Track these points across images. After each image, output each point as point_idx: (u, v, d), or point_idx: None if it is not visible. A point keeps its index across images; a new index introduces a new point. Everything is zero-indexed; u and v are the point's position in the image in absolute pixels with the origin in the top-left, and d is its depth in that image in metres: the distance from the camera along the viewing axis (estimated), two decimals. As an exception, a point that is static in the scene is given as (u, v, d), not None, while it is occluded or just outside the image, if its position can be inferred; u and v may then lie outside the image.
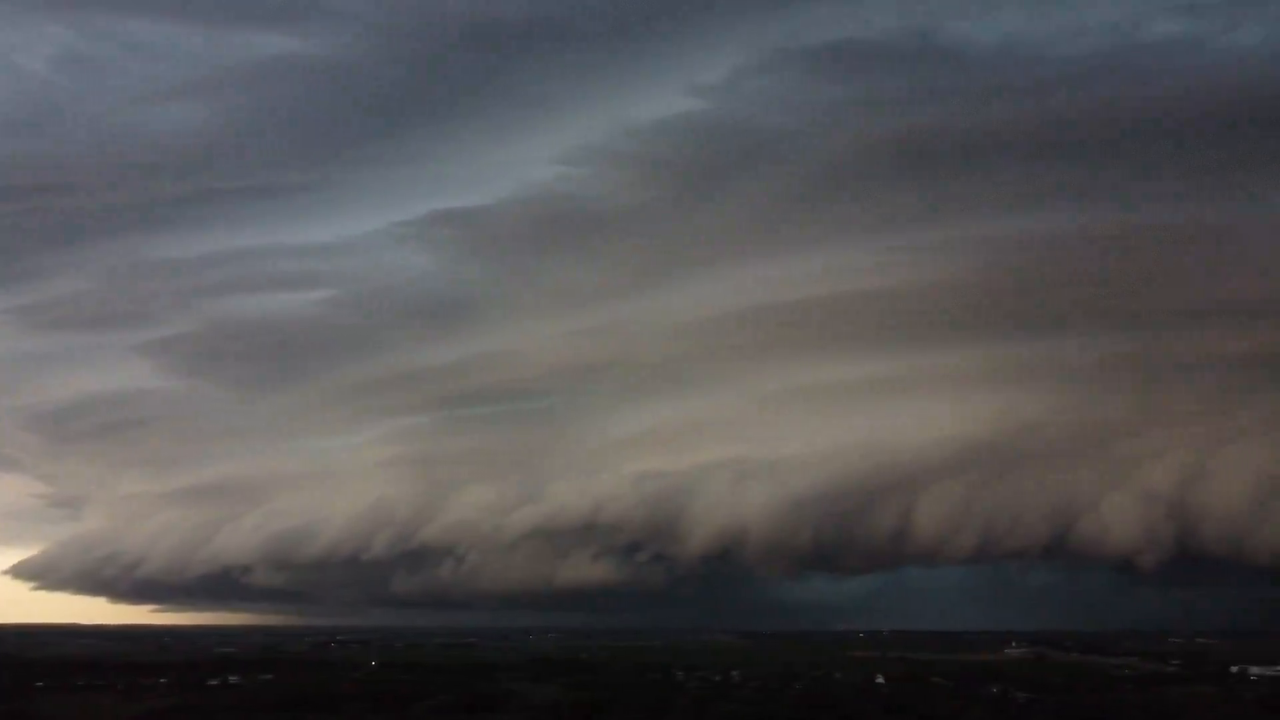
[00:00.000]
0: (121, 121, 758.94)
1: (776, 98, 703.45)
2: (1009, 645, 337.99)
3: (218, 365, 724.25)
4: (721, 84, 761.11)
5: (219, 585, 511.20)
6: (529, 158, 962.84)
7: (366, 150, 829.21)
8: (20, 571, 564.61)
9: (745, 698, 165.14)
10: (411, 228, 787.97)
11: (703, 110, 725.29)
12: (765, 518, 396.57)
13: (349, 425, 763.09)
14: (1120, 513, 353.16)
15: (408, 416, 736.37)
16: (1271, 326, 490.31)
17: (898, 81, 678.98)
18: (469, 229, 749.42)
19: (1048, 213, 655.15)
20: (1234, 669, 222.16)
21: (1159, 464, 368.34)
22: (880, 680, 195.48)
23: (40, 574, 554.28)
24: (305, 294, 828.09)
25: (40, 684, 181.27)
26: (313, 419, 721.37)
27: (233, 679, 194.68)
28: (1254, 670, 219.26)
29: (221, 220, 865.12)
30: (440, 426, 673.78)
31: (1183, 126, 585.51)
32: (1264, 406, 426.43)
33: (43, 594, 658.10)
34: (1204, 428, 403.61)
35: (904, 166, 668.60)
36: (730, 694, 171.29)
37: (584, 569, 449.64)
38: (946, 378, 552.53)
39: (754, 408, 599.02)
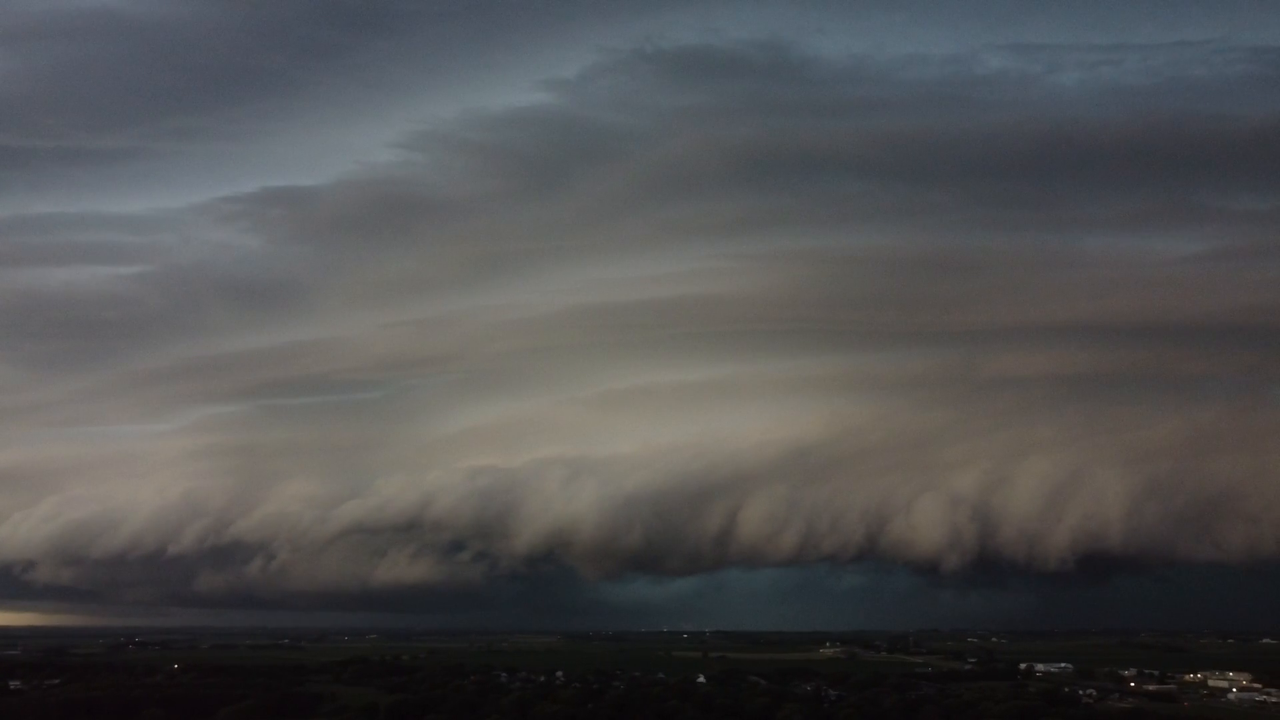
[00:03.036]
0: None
1: (626, 98, 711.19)
2: (823, 645, 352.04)
3: (10, 341, 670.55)
4: (573, 80, 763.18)
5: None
6: (368, 140, 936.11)
7: (193, 119, 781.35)
8: None
9: (568, 698, 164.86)
10: (238, 204, 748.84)
11: (552, 104, 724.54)
12: (596, 516, 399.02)
13: (157, 411, 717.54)
14: (928, 516, 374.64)
15: (224, 404, 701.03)
16: (1072, 348, 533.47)
17: (745, 92, 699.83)
18: (300, 209, 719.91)
19: (877, 230, 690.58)
20: (1022, 666, 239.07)
21: (965, 472, 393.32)
22: (701, 680, 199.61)
23: None
24: (114, 268, 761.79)
25: None
26: (116, 403, 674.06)
27: (14, 684, 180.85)
28: (1040, 667, 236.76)
29: (22, 183, 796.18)
30: (260, 416, 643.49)
31: (1005, 157, 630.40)
32: (1061, 421, 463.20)
33: None
34: (1007, 439, 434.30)
35: (744, 175, 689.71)
36: (553, 694, 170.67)
37: (402, 568, 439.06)
38: (775, 384, 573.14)
39: (589, 407, 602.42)
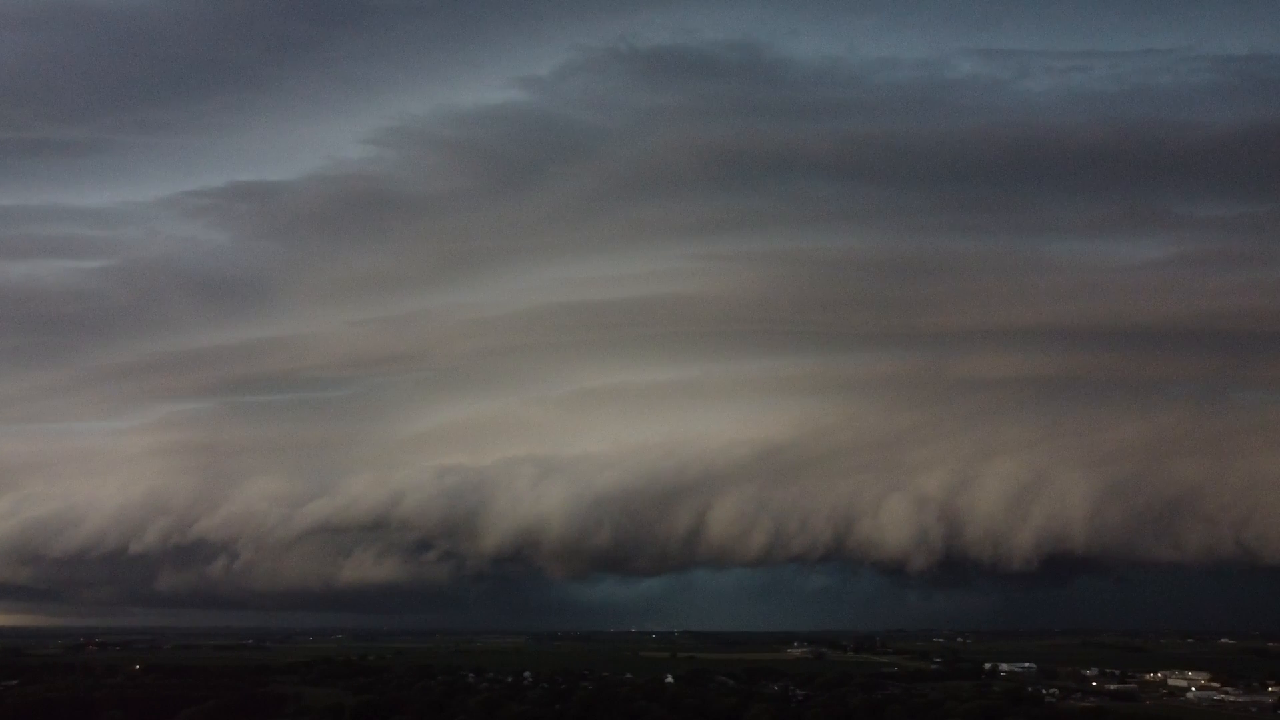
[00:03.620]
0: None
1: (600, 97, 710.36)
2: (791, 645, 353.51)
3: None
4: (547, 78, 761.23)
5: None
6: (339, 135, 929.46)
7: (160, 112, 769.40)
8: None
9: (536, 698, 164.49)
10: (206, 199, 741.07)
11: (525, 102, 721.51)
12: (564, 515, 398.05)
13: (120, 407, 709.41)
14: (896, 517, 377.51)
15: (189, 401, 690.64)
16: (1038, 351, 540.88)
17: (720, 93, 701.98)
18: (269, 205, 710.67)
19: (848, 232, 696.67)
20: (987, 666, 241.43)
21: (932, 473, 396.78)
22: (669, 680, 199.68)
23: None
24: (77, 262, 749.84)
25: None
26: (78, 399, 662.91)
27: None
28: (1004, 667, 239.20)
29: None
30: (225, 413, 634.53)
31: (975, 161, 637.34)
32: (1027, 423, 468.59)
33: None
34: (974, 441, 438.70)
35: (717, 176, 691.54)
36: (521, 695, 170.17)
37: (368, 568, 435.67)
38: (745, 384, 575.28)
39: (559, 406, 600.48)
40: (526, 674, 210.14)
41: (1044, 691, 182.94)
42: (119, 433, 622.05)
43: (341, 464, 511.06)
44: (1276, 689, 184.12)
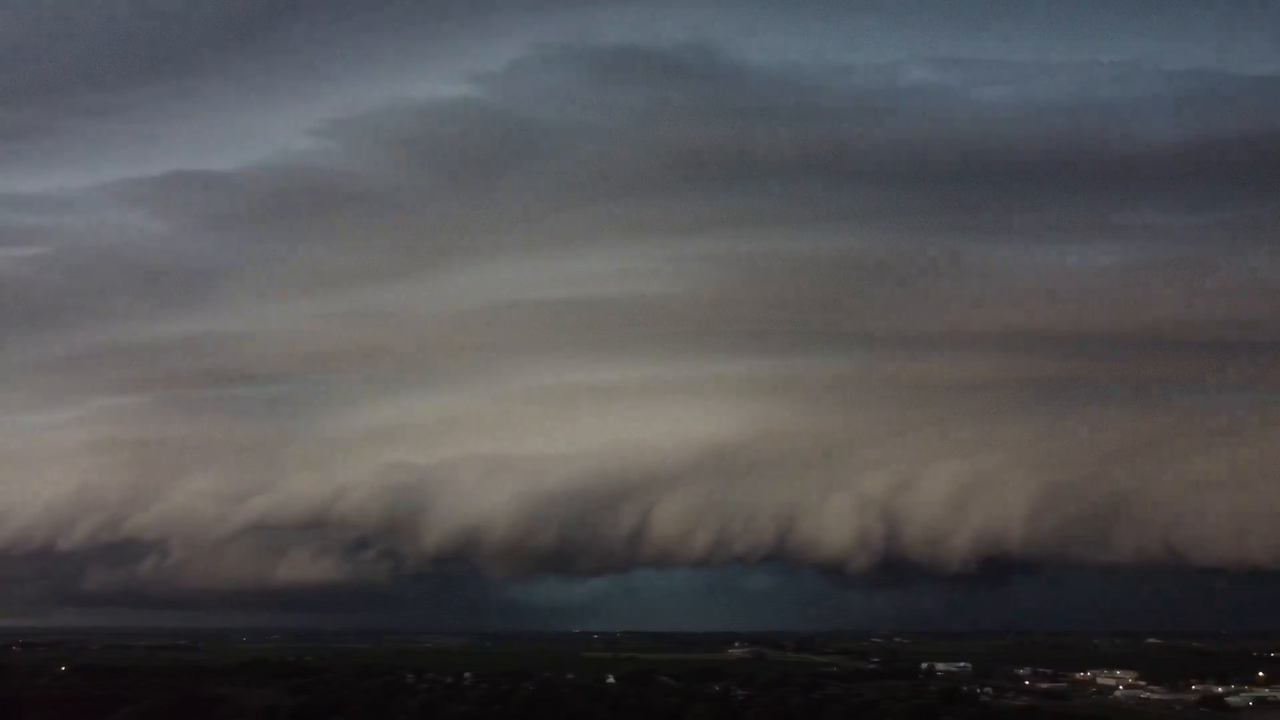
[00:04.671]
0: None
1: (555, 95, 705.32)
2: (732, 645, 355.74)
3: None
4: (502, 74, 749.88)
5: None
6: (287, 125, 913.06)
7: (99, 96, 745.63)
8: None
9: (476, 699, 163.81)
10: (146, 187, 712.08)
11: (479, 98, 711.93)
12: (510, 515, 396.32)
13: (52, 401, 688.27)
14: (838, 519, 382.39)
15: (125, 395, 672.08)
16: (986, 356, 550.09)
17: (677, 93, 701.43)
18: (212, 195, 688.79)
19: (802, 234, 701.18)
20: (924, 665, 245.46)
21: (876, 475, 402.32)
22: (611, 680, 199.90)
23: None
24: (9, 250, 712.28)
25: None
26: (7, 392, 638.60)
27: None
28: (940, 666, 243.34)
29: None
30: (163, 408, 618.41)
31: (928, 167, 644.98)
32: (971, 426, 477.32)
33: None
34: (919, 443, 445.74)
35: (672, 177, 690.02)
36: (461, 696, 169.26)
37: (305, 567, 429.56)
38: (698, 385, 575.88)
39: (507, 404, 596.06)
40: (467, 674, 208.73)
41: (979, 691, 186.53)
42: (50, 427, 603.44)
43: (282, 461, 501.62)
44: (1199, 687, 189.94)
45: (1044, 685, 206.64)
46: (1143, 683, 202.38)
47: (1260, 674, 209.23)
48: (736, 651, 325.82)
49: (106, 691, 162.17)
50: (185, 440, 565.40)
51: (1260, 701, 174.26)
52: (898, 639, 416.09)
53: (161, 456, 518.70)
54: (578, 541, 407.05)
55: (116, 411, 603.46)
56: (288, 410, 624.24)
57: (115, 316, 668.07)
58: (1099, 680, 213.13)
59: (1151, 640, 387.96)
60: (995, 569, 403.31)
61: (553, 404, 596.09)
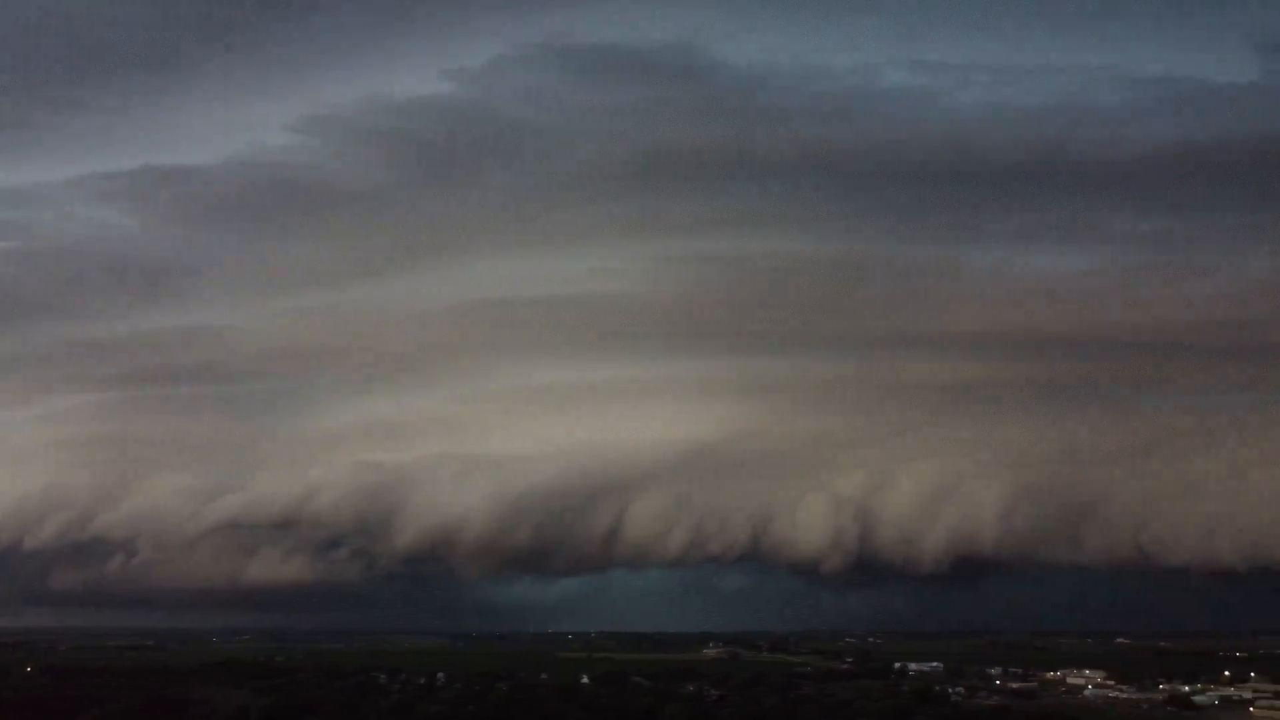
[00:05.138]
0: None
1: (533, 92, 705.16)
2: (707, 646, 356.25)
3: None
4: (480, 71, 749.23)
5: None
6: (263, 120, 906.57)
7: (73, 90, 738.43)
8: None
9: (449, 699, 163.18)
10: (119, 181, 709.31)
11: (457, 95, 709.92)
12: (484, 514, 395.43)
13: (21, 397, 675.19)
14: (812, 519, 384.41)
15: (95, 392, 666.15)
16: (964, 358, 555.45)
17: (655, 94, 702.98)
18: (186, 190, 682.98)
19: (780, 236, 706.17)
20: (897, 665, 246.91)
21: (850, 476, 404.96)
22: (585, 680, 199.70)
23: None
24: None
25: None
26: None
27: None
28: (912, 666, 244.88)
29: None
30: (134, 405, 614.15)
31: (905, 169, 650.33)
32: (947, 428, 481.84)
33: None
34: (894, 445, 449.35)
35: (650, 177, 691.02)
36: (434, 696, 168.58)
37: (276, 566, 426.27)
38: (674, 385, 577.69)
39: (482, 403, 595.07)
40: (440, 675, 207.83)
41: (951, 690, 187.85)
42: (18, 423, 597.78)
43: (255, 459, 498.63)
44: (1167, 686, 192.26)
45: (1015, 685, 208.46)
46: (1111, 682, 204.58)
47: (1226, 673, 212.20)
48: (711, 652, 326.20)
49: (75, 693, 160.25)
50: (156, 438, 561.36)
51: (1226, 700, 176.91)
52: (871, 639, 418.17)
53: (131, 454, 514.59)
54: (552, 541, 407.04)
55: (86, 408, 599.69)
56: (260, 408, 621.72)
57: (86, 312, 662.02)
58: (1069, 680, 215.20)
59: (1120, 640, 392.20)
60: (967, 569, 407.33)
61: (528, 403, 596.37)
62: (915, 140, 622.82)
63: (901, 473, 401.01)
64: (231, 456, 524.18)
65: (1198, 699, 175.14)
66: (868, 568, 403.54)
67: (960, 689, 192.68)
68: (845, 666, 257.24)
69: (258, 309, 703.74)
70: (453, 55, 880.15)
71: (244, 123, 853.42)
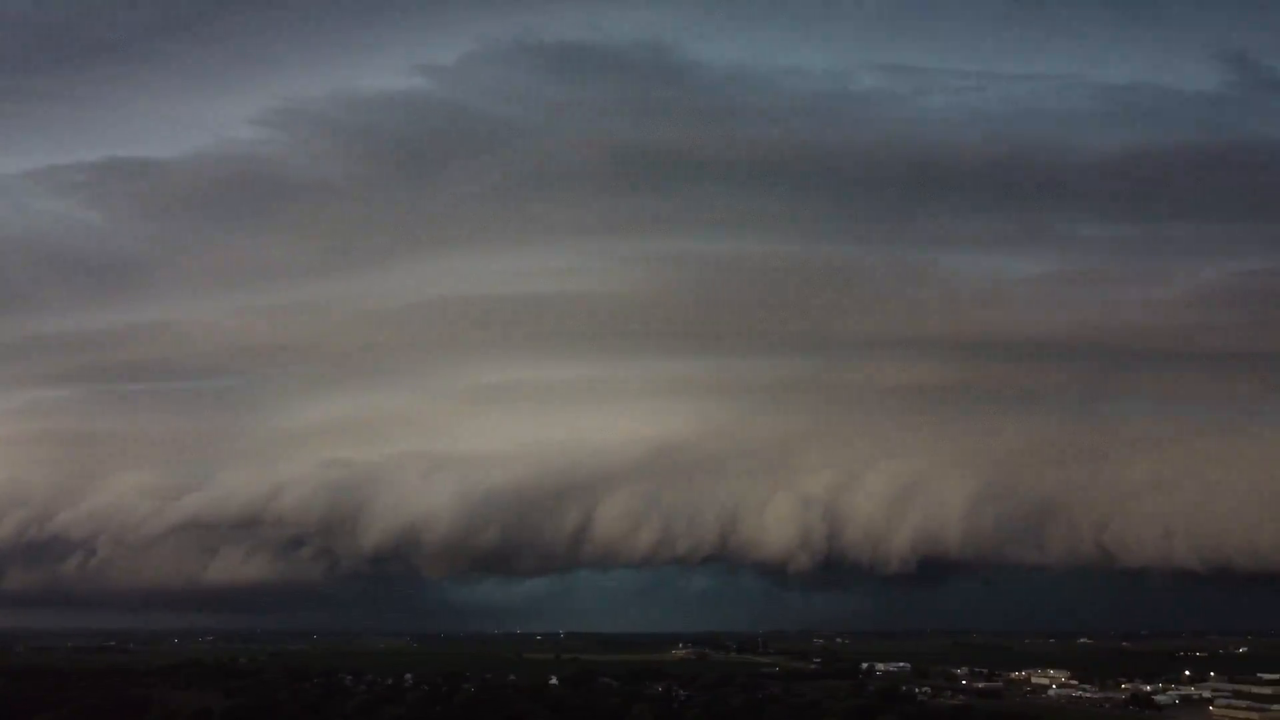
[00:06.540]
0: None
1: (504, 89, 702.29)
2: (675, 646, 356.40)
3: None
4: (451, 67, 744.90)
5: None
6: (227, 114, 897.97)
7: (32, 80, 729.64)
8: None
9: (415, 701, 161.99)
10: (79, 174, 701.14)
11: (427, 90, 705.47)
12: (450, 514, 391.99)
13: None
14: (779, 520, 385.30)
15: (54, 388, 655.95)
16: (926, 360, 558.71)
17: (626, 92, 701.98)
18: (149, 183, 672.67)
19: (748, 236, 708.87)
20: (863, 666, 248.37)
21: (817, 477, 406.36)
22: (553, 681, 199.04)
23: None
24: None
25: None
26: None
27: None
28: (879, 667, 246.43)
29: None
30: (95, 401, 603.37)
31: (873, 173, 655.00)
32: (912, 430, 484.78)
33: None
34: (861, 446, 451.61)
35: (619, 175, 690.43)
36: (400, 698, 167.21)
37: (239, 566, 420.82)
38: (642, 384, 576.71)
39: (449, 401, 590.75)
40: (407, 676, 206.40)
41: (916, 690, 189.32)
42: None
43: (218, 457, 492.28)
44: (1129, 686, 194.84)
45: (979, 685, 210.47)
46: (1074, 682, 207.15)
47: (1186, 673, 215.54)
48: (679, 652, 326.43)
49: (33, 694, 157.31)
50: (117, 435, 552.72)
51: (1186, 699, 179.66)
52: (838, 639, 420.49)
53: (91, 451, 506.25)
54: (519, 541, 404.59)
55: (45, 404, 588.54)
56: (224, 405, 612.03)
57: (46, 307, 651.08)
58: (1033, 680, 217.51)
59: (1083, 640, 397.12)
60: (932, 570, 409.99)
61: (495, 402, 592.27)
62: (883, 143, 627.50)
63: (869, 473, 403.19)
64: (194, 454, 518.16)
65: (1159, 698, 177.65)
66: (835, 568, 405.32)
67: (926, 689, 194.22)
68: (813, 667, 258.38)
69: (222, 304, 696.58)
70: (424, 50, 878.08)
71: (209, 115, 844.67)
